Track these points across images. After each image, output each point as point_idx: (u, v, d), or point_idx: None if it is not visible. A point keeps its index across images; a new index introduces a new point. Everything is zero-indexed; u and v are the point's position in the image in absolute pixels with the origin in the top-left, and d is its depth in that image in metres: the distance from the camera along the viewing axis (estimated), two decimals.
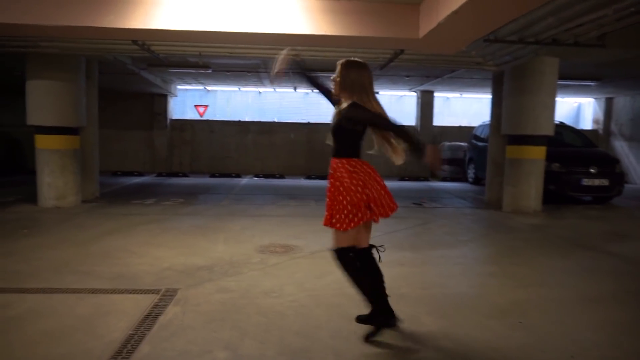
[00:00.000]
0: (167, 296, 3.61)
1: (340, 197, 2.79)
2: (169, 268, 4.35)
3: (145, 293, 3.68)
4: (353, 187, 2.78)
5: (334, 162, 2.89)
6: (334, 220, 2.81)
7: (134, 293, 3.69)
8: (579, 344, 2.90)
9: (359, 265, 2.90)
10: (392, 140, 2.90)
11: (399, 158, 2.93)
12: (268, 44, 6.10)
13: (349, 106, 2.85)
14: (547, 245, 5.61)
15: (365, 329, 2.94)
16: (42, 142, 7.46)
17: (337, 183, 2.83)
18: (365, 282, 2.90)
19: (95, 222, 6.38)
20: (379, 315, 2.91)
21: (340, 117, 2.88)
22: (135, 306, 3.39)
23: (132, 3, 4.90)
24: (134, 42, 6.03)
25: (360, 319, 2.96)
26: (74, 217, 6.72)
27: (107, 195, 9.00)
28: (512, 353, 2.76)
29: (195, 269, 4.33)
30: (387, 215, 2.89)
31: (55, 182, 7.49)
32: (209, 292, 3.72)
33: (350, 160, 2.86)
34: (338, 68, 2.90)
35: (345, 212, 2.77)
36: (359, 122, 2.83)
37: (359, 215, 2.78)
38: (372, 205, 2.82)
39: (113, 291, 3.72)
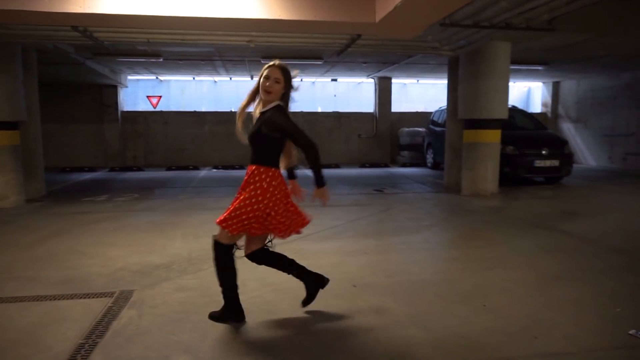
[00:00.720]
0: (121, 299, 3.40)
1: (250, 208, 2.73)
2: (123, 268, 4.11)
3: (97, 297, 3.45)
4: (264, 202, 2.75)
5: (253, 169, 2.80)
6: (229, 222, 2.75)
7: (84, 298, 3.44)
8: (541, 323, 2.94)
9: (265, 260, 3.04)
10: (294, 152, 2.90)
11: (283, 166, 2.92)
12: (220, 29, 5.85)
13: (274, 109, 2.77)
14: (506, 226, 5.75)
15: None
16: None
17: (253, 193, 2.75)
18: (225, 275, 2.94)
19: (40, 223, 5.97)
20: (230, 313, 2.97)
21: (262, 121, 2.77)
22: (86, 312, 3.16)
23: None
24: (74, 28, 5.62)
25: (212, 317, 2.98)
26: (16, 219, 6.27)
27: (54, 193, 8.49)
28: (478, 337, 2.75)
29: (151, 268, 4.11)
30: (294, 233, 2.95)
31: None
32: (167, 292, 3.53)
33: (270, 171, 2.79)
34: (278, 72, 2.77)
35: (244, 220, 2.74)
36: (281, 130, 2.74)
37: (254, 227, 2.79)
38: (274, 222, 2.81)
39: (61, 297, 3.46)
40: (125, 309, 3.21)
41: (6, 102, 6.92)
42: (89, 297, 3.44)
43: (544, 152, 9.07)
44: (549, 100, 15.42)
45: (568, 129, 14.67)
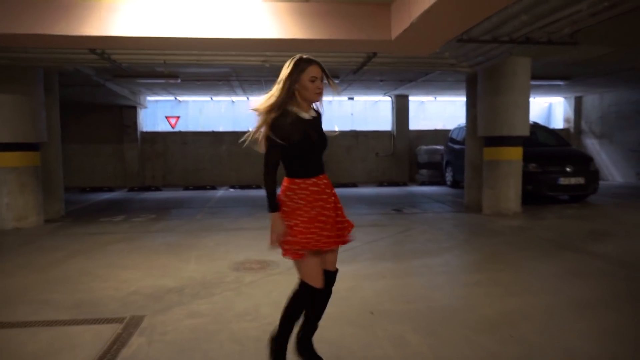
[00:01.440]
0: (131, 325, 3.31)
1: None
2: (136, 292, 4.04)
3: (107, 322, 3.37)
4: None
5: (326, 178, 2.51)
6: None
7: (94, 323, 3.37)
8: (575, 357, 2.73)
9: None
10: None
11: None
12: (235, 50, 5.86)
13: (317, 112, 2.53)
14: (530, 248, 5.50)
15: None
16: None
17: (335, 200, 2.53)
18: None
19: (58, 244, 5.98)
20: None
21: (319, 126, 2.49)
22: (95, 339, 3.08)
23: (86, 8, 4.58)
24: (92, 51, 5.69)
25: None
26: (35, 239, 6.30)
27: (73, 213, 8.56)
28: None
29: (164, 292, 4.03)
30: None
31: (14, 202, 7.05)
32: (178, 318, 3.43)
33: None
34: (321, 71, 2.41)
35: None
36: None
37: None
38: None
39: (72, 322, 3.39)
40: (135, 335, 3.12)
41: (28, 124, 7.04)
42: (99, 323, 3.37)
43: (568, 169, 8.79)
44: (571, 115, 15.08)
45: (592, 145, 14.28)
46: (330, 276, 2.56)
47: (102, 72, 8.78)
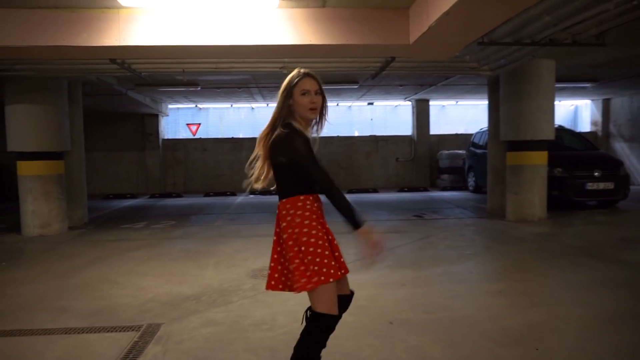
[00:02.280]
0: (147, 333, 3.30)
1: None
2: (153, 299, 4.05)
3: (124, 330, 3.37)
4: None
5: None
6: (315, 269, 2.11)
7: (111, 331, 3.37)
8: None
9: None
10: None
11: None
12: (252, 56, 5.87)
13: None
14: (556, 256, 5.30)
15: None
16: (24, 168, 7.19)
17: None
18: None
19: (79, 251, 6.07)
20: None
21: None
22: (111, 347, 3.08)
23: (106, 20, 4.67)
24: (112, 60, 5.79)
25: None
26: (57, 246, 6.41)
27: (96, 220, 8.70)
28: None
29: (181, 300, 4.02)
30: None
31: (39, 209, 7.19)
32: (194, 327, 3.41)
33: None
34: (316, 83, 2.20)
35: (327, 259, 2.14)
36: None
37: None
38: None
39: (89, 330, 3.40)
40: (151, 344, 3.11)
41: (53, 133, 7.19)
42: (116, 331, 3.37)
43: (596, 173, 8.48)
44: (598, 118, 14.63)
45: (622, 148, 13.81)
46: (347, 301, 2.32)
47: (123, 82, 8.94)
